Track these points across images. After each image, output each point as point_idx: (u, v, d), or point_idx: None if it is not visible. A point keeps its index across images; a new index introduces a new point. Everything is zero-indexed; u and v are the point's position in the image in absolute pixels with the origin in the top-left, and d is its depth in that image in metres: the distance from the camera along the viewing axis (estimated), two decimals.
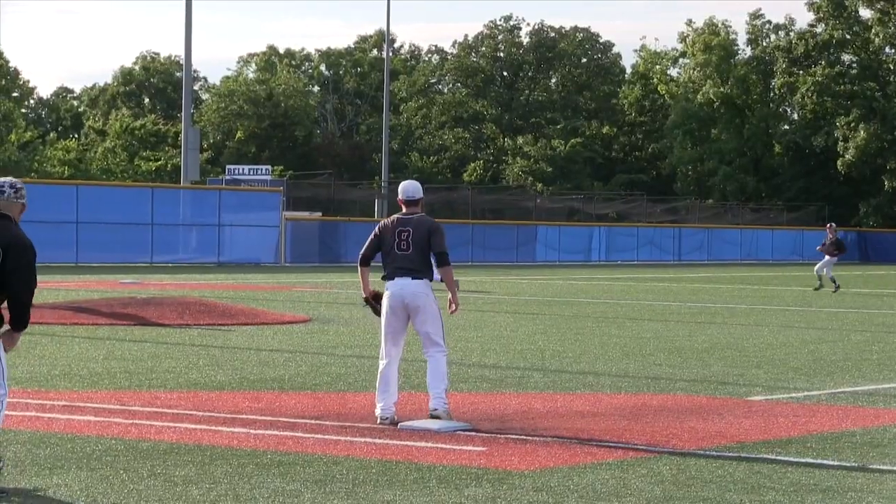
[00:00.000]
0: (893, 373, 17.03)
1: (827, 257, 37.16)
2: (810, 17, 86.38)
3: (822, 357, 19.07)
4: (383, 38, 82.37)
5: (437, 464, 10.36)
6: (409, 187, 13.08)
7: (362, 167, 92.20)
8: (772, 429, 12.32)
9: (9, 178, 9.37)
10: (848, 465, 10.45)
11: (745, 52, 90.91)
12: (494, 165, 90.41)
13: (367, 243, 13.02)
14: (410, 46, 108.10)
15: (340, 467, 10.16)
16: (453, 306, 12.92)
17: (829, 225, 40.35)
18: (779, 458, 10.75)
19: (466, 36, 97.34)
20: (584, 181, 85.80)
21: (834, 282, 36.53)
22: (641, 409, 13.54)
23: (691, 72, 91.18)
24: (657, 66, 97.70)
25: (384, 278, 12.79)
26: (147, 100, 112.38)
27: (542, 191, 78.78)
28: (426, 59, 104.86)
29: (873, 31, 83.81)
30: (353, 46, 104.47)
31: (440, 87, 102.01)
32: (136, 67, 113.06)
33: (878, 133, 78.82)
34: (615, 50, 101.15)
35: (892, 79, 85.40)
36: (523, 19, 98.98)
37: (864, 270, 58.15)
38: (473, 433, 11.92)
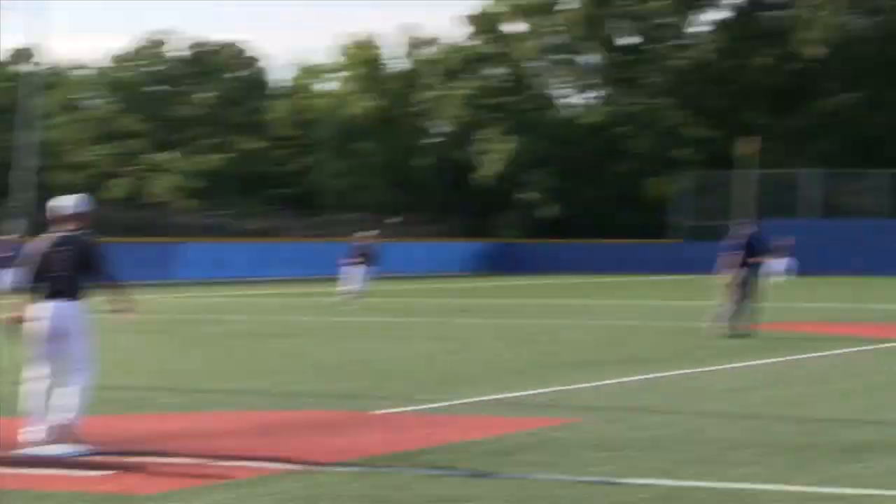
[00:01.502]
0: (519, 382, 17.18)
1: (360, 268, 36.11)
2: (460, 32, 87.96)
3: (448, 368, 19.21)
4: (23, 53, 79.92)
5: (57, 490, 10.08)
6: (61, 203, 12.67)
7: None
8: (400, 441, 12.36)
9: None
10: (474, 473, 10.59)
11: (394, 65, 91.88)
12: (141, 182, 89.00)
13: (26, 266, 12.55)
14: (54, 60, 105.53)
15: None
16: (128, 313, 12.61)
17: (367, 234, 38.88)
18: (406, 470, 10.82)
19: (115, 50, 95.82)
20: (234, 196, 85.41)
21: (353, 294, 35.57)
22: (273, 426, 13.42)
23: (342, 86, 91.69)
24: (306, 82, 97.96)
25: (35, 299, 12.35)
26: None
27: (189, 207, 78.01)
28: (74, 73, 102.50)
29: (517, 46, 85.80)
30: None
31: (87, 102, 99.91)
32: None
33: (523, 146, 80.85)
34: (266, 64, 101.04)
35: (532, 93, 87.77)
36: (174, 33, 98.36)
37: (496, 281, 59.42)
38: (98, 457, 11.58)
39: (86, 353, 12.53)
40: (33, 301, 12.37)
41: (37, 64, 70.70)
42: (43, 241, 12.61)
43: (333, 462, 11.24)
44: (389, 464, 11.16)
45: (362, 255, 36.05)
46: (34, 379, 12.32)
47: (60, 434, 12.16)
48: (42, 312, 12.35)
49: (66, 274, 12.46)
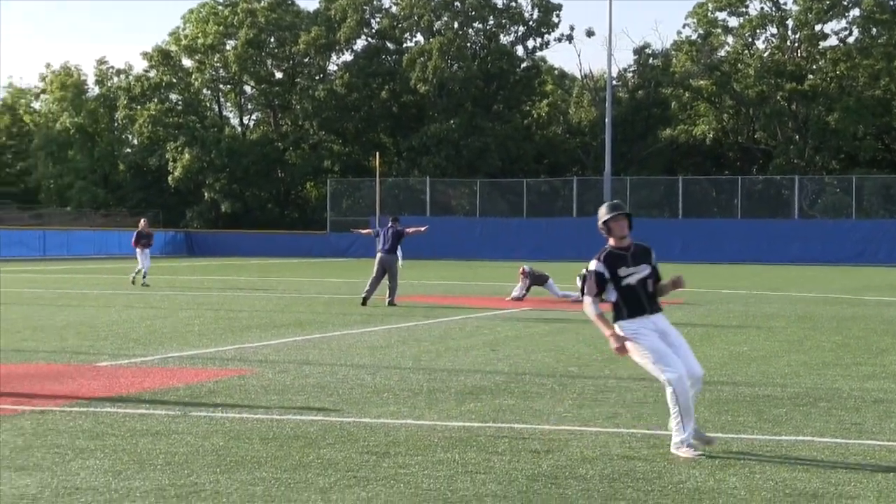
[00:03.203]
0: (209, 341, 17.03)
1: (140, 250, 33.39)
2: (144, 63, 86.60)
3: (156, 330, 18.96)
4: None
5: None
6: None
7: None
8: (114, 387, 12.18)
9: None
10: (175, 412, 10.50)
11: (94, 90, 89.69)
12: None
13: None
14: None
15: None
16: None
17: (142, 220, 36.39)
18: (119, 409, 10.70)
19: None
20: None
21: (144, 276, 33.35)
22: (8, 377, 12.93)
23: (51, 105, 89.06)
24: (22, 100, 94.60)
25: None
26: None
27: None
28: None
29: (194, 76, 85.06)
30: None
31: None
32: None
33: (199, 155, 79.90)
34: None
35: (208, 114, 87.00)
36: None
37: (190, 262, 58.59)
38: None
39: None
40: None
41: None
42: None
43: (59, 405, 10.98)
44: (106, 405, 10.91)
45: (142, 236, 33.78)
46: None
47: None
48: None
49: None
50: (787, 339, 17.97)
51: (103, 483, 7.78)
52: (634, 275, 9.07)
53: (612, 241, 9.21)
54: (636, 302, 9.05)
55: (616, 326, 9.12)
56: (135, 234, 34.28)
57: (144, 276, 33.01)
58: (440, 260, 59.73)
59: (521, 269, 28.53)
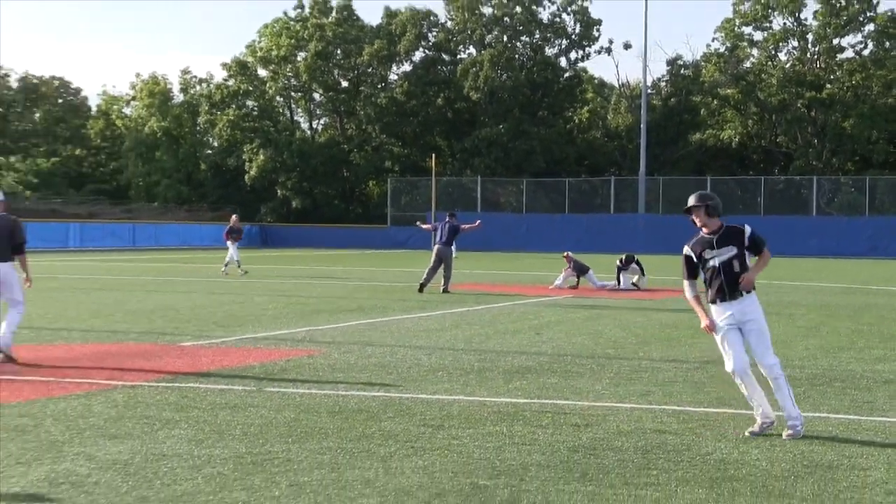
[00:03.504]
0: (281, 324, 16.96)
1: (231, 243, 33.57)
2: (224, 73, 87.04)
3: (234, 314, 18.97)
4: None
5: None
6: None
7: None
8: (197, 365, 12.24)
9: None
10: (251, 387, 10.55)
11: (178, 97, 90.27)
12: None
13: None
14: None
15: None
16: (29, 282, 12.89)
17: (233, 216, 36.57)
18: (201, 385, 10.76)
19: None
20: (63, 189, 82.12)
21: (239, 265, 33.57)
22: (103, 355, 13.10)
23: (140, 110, 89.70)
24: (115, 106, 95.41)
25: None
26: None
27: (29, 196, 74.53)
28: None
29: (268, 85, 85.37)
30: None
31: None
32: None
33: (272, 156, 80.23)
34: (84, 93, 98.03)
35: (281, 118, 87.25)
36: (12, 69, 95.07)
37: (264, 253, 59.02)
38: None
39: (20, 294, 12.77)
40: None
41: None
42: None
43: (148, 380, 11.08)
44: (190, 381, 10.99)
45: (234, 231, 33.91)
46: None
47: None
48: None
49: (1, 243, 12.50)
50: (806, 326, 17.82)
51: (187, 450, 7.86)
52: (717, 257, 8.84)
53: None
54: (718, 285, 8.81)
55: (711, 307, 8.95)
56: (227, 227, 34.42)
57: (239, 266, 33.08)
58: (490, 252, 59.66)
59: (565, 254, 28.52)
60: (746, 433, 8.68)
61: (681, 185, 68.33)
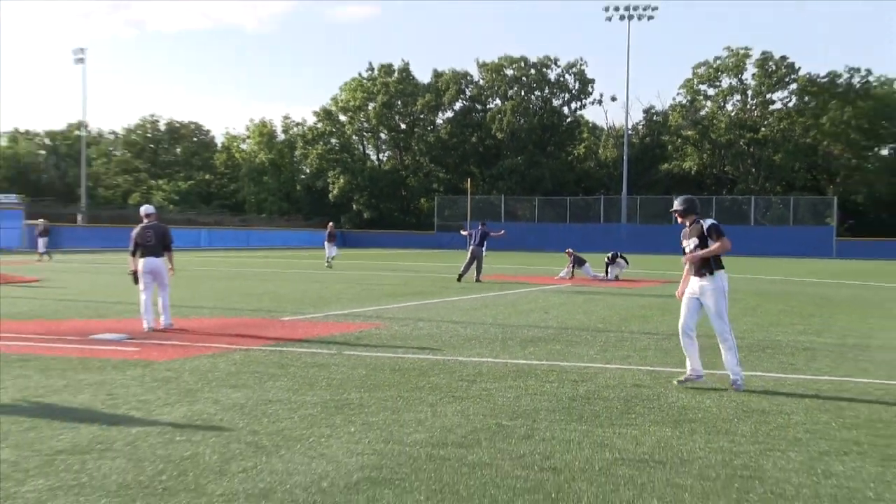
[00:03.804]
0: (355, 304, 16.66)
1: (329, 245, 33.76)
2: (314, 118, 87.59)
3: (321, 296, 18.81)
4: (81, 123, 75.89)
5: (111, 358, 9.88)
6: (146, 209, 12.85)
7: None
8: (294, 334, 12.16)
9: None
10: (334, 352, 10.47)
11: (280, 136, 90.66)
12: (145, 196, 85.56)
13: (131, 241, 12.69)
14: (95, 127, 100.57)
15: (58, 362, 9.54)
16: (172, 272, 12.92)
17: (329, 223, 36.51)
18: (297, 349, 10.72)
19: (128, 123, 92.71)
20: (197, 204, 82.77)
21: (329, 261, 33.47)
22: (225, 326, 13.09)
23: (252, 146, 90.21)
24: (234, 143, 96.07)
25: (140, 256, 12.67)
26: None
27: (172, 209, 75.15)
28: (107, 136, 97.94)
29: (346, 127, 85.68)
30: None
31: (115, 152, 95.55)
32: None
33: (350, 180, 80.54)
34: (212, 133, 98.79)
35: (356, 152, 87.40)
36: (162, 116, 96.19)
37: (343, 252, 59.14)
38: (131, 340, 11.35)
39: (167, 281, 12.84)
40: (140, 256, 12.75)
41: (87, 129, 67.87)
42: (139, 228, 12.77)
43: (258, 345, 11.11)
44: (289, 346, 10.97)
45: (331, 235, 34.58)
46: (144, 291, 12.59)
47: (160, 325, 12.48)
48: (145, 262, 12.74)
49: (155, 244, 12.73)
50: (745, 307, 17.63)
51: (286, 397, 7.88)
52: (687, 245, 8.85)
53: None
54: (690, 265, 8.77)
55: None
56: (326, 233, 34.84)
57: (327, 261, 33.43)
58: (511, 251, 59.45)
59: (567, 250, 28.37)
60: (675, 381, 8.60)
61: (654, 202, 68.06)
